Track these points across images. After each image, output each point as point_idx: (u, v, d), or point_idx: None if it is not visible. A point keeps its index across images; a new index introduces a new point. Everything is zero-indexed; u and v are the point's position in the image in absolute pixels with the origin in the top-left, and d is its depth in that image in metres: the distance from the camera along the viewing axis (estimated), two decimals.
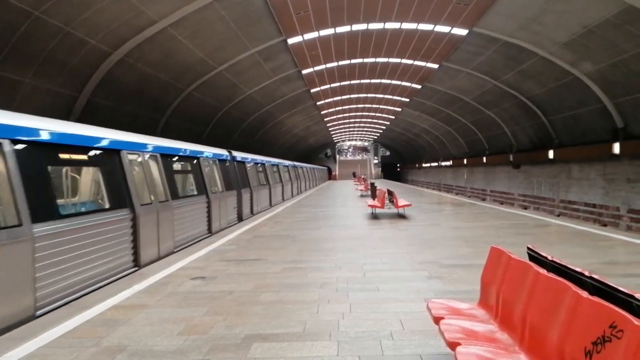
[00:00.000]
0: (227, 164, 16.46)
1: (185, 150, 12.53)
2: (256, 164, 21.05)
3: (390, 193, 16.30)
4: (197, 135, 28.09)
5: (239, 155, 18.35)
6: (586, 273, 2.97)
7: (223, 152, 16.52)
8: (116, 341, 4.49)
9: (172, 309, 5.50)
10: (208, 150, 14.61)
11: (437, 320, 3.62)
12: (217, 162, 15.10)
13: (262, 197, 20.96)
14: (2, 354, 4.19)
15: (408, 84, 37.77)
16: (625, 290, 2.51)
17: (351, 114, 59.05)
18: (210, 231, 13.10)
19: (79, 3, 12.56)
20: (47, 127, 6.75)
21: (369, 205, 16.04)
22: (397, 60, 31.07)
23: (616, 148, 21.06)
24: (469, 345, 3.03)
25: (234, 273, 7.36)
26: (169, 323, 4.99)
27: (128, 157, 9.00)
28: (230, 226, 14.39)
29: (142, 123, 20.95)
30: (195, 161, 13.12)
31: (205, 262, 8.34)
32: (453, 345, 3.05)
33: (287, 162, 30.14)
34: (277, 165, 22.80)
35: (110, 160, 8.44)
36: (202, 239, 11.84)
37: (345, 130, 79.17)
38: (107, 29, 14.45)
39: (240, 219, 16.58)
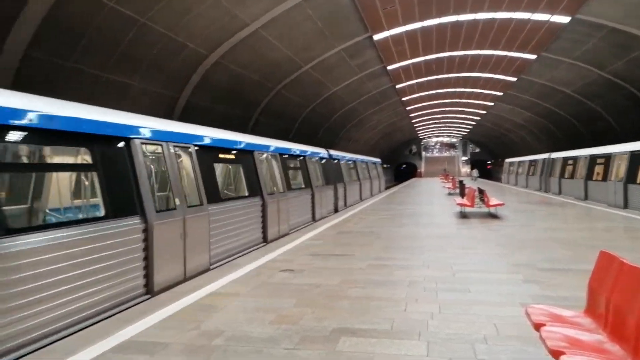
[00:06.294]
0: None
1: (294, 150, 14.82)
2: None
3: (480, 192, 15.63)
4: (285, 132, 28.91)
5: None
6: None
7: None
8: (214, 326, 4.77)
9: (264, 299, 5.73)
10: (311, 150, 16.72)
11: (537, 326, 3.42)
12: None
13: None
14: (116, 331, 4.64)
15: (501, 77, 35.82)
16: None
17: (438, 110, 57.27)
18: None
19: (180, 9, 13.48)
20: (209, 134, 9.06)
21: (458, 204, 15.51)
22: (490, 52, 29.58)
23: None
24: (574, 355, 2.82)
25: (321, 267, 7.50)
26: (261, 312, 5.21)
27: (259, 156, 11.25)
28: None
29: (234, 121, 22.01)
30: (302, 159, 15.31)
31: (292, 255, 8.58)
32: (556, 354, 2.86)
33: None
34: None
35: (247, 159, 10.77)
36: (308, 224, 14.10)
37: (432, 126, 76.98)
38: (204, 33, 15.36)
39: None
